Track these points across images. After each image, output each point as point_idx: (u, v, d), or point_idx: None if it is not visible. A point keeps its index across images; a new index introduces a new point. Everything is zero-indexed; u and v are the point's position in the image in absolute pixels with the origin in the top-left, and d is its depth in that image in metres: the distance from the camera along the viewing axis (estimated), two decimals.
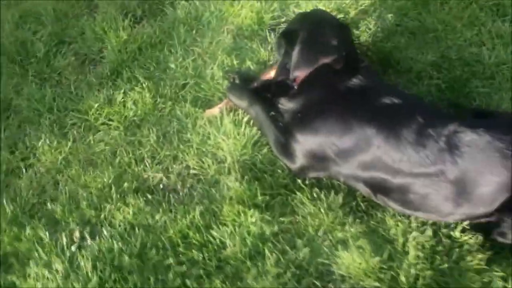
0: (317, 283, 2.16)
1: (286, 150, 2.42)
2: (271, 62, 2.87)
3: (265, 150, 2.53)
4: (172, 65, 2.91)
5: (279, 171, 2.47)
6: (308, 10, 2.96)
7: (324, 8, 3.11)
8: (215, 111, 2.69)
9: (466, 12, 3.05)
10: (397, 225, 2.29)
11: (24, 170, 2.63)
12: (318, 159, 2.34)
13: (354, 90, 2.29)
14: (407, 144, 2.12)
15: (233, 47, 2.98)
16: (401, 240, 2.25)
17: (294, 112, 2.41)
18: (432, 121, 2.16)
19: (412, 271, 2.12)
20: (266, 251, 2.22)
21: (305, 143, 2.35)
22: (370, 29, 3.03)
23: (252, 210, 2.33)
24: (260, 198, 2.37)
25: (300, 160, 2.38)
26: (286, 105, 2.45)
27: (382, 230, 2.30)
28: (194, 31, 3.08)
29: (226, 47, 2.98)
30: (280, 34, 2.67)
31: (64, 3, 3.36)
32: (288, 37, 2.53)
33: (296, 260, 2.21)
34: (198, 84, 2.82)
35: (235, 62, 2.89)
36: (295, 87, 2.43)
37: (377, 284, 2.12)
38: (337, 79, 2.34)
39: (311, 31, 2.48)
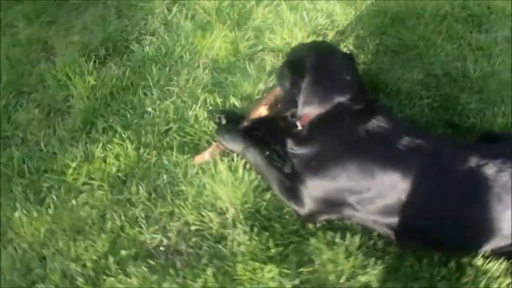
0: None
1: (293, 194, 2.26)
2: (257, 97, 2.70)
3: (268, 195, 2.35)
4: (150, 109, 2.68)
5: (286, 217, 2.31)
6: (309, 41, 2.85)
7: (300, 32, 2.99)
8: (205, 156, 2.48)
9: (443, 25, 3.02)
10: (420, 261, 2.19)
11: (2, 248, 2.30)
12: (333, 204, 2.21)
13: (375, 134, 2.14)
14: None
15: (213, 83, 2.80)
16: (426, 275, 2.16)
17: (306, 158, 2.23)
18: (454, 156, 2.08)
19: None
20: None
21: (318, 190, 2.19)
22: (350, 51, 2.92)
23: (268, 265, 2.15)
24: (273, 250, 2.20)
25: (310, 205, 2.23)
26: (295, 149, 2.28)
27: (405, 267, 2.20)
28: (167, 69, 2.86)
29: (205, 83, 2.79)
30: (284, 63, 2.48)
31: (16, 48, 3.04)
32: (294, 67, 2.35)
33: None
34: (181, 128, 2.60)
35: (218, 100, 2.70)
36: (300, 126, 2.29)
37: None
38: (355, 121, 2.18)
39: (320, 63, 2.31)
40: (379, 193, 2.09)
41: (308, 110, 2.25)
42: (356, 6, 3.16)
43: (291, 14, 3.06)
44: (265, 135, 2.49)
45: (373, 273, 2.16)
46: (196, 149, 2.54)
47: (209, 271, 2.14)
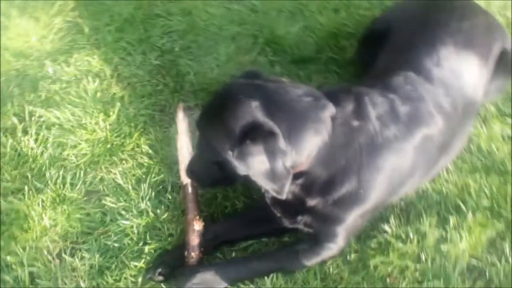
0: None
1: (324, 245, 1.99)
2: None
3: None
4: None
5: None
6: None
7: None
8: None
9: None
10: None
11: None
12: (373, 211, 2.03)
13: (387, 118, 1.89)
14: None
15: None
16: None
17: (338, 197, 1.87)
18: None
19: None
20: None
21: (359, 218, 1.96)
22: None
23: None
24: None
25: (345, 238, 2.00)
26: (313, 202, 1.90)
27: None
28: None
29: None
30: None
31: None
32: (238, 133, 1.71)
33: None
34: None
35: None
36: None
37: None
38: (365, 121, 1.86)
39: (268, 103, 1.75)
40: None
41: (303, 152, 1.77)
42: None
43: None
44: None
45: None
46: None
47: None
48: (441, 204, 2.18)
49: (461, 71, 2.06)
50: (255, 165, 1.70)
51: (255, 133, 1.68)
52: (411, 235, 2.08)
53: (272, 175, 1.72)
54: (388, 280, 2.04)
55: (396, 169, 1.91)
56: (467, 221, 2.12)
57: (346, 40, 2.66)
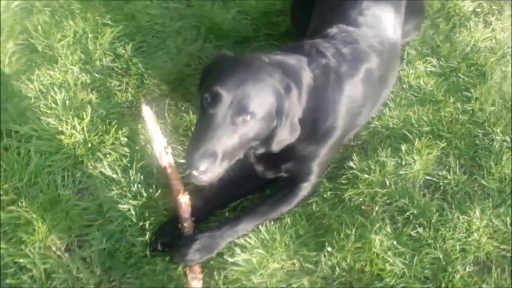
0: None
1: (302, 184, 2.27)
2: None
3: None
4: None
5: None
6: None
7: None
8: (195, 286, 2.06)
9: None
10: None
11: None
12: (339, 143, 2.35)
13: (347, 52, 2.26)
14: None
15: None
16: None
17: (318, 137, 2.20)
18: None
19: None
20: None
21: (329, 148, 2.26)
22: None
23: None
24: None
25: (320, 171, 2.30)
26: (302, 145, 2.18)
27: None
28: None
29: None
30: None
31: None
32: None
33: None
34: None
35: None
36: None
37: None
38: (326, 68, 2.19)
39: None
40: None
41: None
42: None
43: None
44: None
45: None
46: None
47: None
48: (390, 137, 2.50)
49: (381, 16, 2.42)
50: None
51: (289, 89, 1.99)
52: (372, 166, 2.37)
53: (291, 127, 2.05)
54: (363, 207, 2.30)
55: (353, 101, 2.22)
56: (415, 146, 2.43)
57: (277, 17, 2.98)
